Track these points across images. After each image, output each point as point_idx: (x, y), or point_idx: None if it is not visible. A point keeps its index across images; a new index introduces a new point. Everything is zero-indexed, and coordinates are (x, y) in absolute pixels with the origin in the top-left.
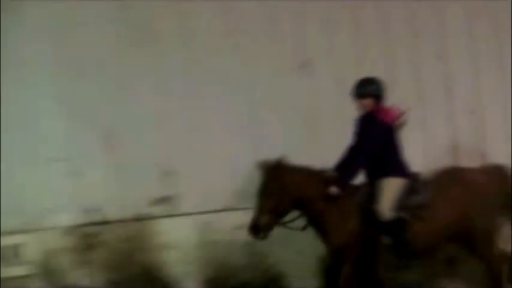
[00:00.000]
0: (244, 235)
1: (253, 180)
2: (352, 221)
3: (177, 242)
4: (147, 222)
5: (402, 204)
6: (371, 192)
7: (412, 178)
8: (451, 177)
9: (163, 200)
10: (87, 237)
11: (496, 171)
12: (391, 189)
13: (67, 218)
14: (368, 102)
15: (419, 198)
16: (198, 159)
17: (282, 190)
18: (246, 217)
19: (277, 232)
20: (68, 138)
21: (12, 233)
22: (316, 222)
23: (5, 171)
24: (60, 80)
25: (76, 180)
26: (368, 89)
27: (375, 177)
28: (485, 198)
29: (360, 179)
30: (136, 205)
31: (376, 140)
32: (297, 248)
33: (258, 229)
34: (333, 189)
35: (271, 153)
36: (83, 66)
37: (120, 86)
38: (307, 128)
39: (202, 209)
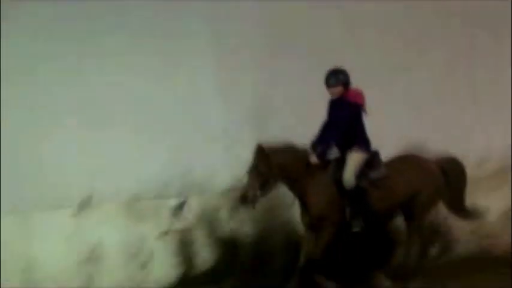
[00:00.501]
0: None
1: None
2: (329, 192)
3: None
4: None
5: (363, 175)
6: (340, 165)
7: (373, 154)
8: (407, 161)
9: None
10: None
11: (448, 163)
12: (354, 161)
13: (222, 182)
14: (338, 89)
15: (378, 172)
16: None
17: (268, 170)
18: None
19: None
20: (225, 118)
21: (175, 195)
22: (300, 196)
23: (174, 146)
24: None
25: (230, 152)
26: (338, 78)
27: (343, 152)
28: (431, 181)
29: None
30: None
31: (347, 119)
32: None
33: (246, 200)
34: (313, 158)
35: None
36: None
37: None
38: None
39: None
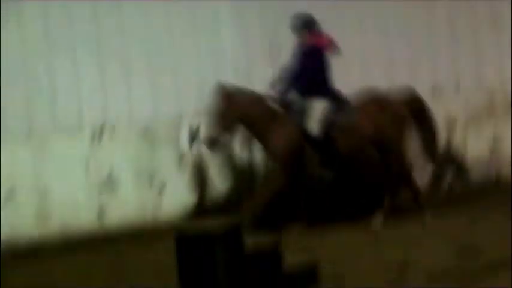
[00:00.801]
0: None
1: None
2: (292, 138)
3: None
4: None
5: (330, 121)
6: (303, 110)
7: (337, 98)
8: (370, 98)
9: None
10: None
11: (406, 93)
12: (319, 108)
13: None
14: (306, 34)
15: (345, 117)
16: None
17: (232, 112)
18: None
19: None
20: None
21: (191, 118)
22: (261, 137)
23: (189, 73)
24: None
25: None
26: (299, 22)
27: (306, 96)
28: (396, 114)
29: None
30: None
31: (315, 65)
32: None
33: (212, 141)
34: (273, 94)
35: None
36: None
37: None
38: None
39: None
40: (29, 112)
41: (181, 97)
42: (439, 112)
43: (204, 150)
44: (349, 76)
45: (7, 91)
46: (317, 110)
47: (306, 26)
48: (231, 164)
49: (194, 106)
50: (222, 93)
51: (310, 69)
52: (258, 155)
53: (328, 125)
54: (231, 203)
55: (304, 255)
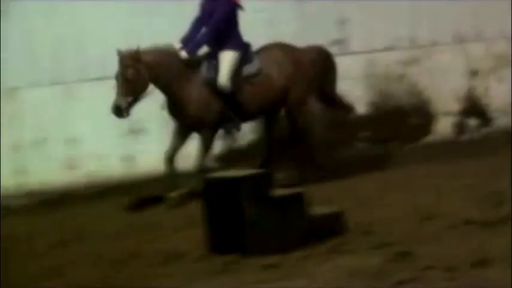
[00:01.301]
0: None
1: None
2: (203, 93)
3: (349, 75)
4: None
5: (236, 73)
6: (213, 64)
7: (244, 49)
8: (279, 52)
9: (338, 41)
10: None
11: (314, 51)
12: (229, 61)
13: None
14: None
15: (251, 66)
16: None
17: (137, 74)
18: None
19: None
20: None
21: None
22: (171, 96)
23: None
24: None
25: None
26: None
27: (216, 50)
28: (303, 70)
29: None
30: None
31: (223, 16)
32: None
33: (120, 110)
34: (183, 54)
35: None
36: None
37: None
38: None
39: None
40: (57, 61)
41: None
42: (461, 61)
43: None
44: (376, 28)
45: (34, 40)
46: (226, 63)
47: None
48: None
49: None
50: (127, 54)
51: (220, 20)
52: None
53: (235, 77)
54: (255, 153)
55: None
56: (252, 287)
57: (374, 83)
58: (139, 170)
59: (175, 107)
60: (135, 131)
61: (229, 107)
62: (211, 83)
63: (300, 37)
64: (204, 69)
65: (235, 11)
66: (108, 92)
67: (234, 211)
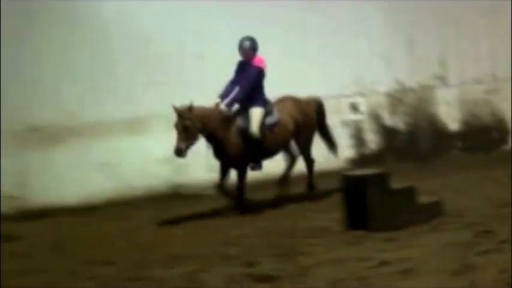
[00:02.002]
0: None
1: None
2: (237, 138)
3: (447, 101)
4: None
5: (262, 124)
6: (245, 117)
7: (267, 105)
8: (289, 102)
9: (439, 77)
10: (394, 99)
11: (314, 102)
12: (257, 115)
13: (384, 88)
14: (250, 53)
15: (272, 118)
16: None
17: (192, 122)
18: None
19: None
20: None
21: (351, 96)
22: (216, 142)
23: (351, 59)
24: None
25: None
26: (248, 43)
27: (246, 106)
28: (308, 118)
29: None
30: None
31: (253, 79)
32: None
33: (181, 152)
34: (222, 107)
35: None
36: None
37: None
38: None
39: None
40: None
41: (343, 79)
42: None
43: (360, 118)
44: (467, 66)
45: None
46: (255, 117)
47: (253, 48)
48: (380, 128)
49: (353, 87)
50: (184, 108)
51: (252, 82)
52: (400, 121)
53: (262, 127)
54: (379, 157)
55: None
56: (376, 254)
57: (465, 107)
58: (293, 169)
59: (217, 150)
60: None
61: (256, 150)
62: (245, 132)
63: (410, 72)
64: (238, 121)
65: (262, 75)
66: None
67: (363, 199)
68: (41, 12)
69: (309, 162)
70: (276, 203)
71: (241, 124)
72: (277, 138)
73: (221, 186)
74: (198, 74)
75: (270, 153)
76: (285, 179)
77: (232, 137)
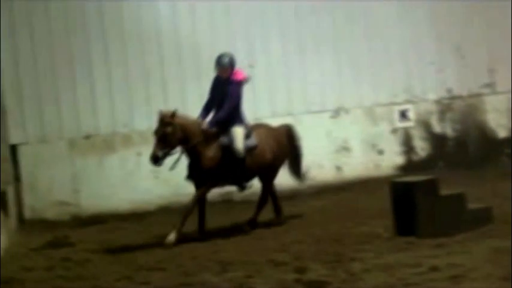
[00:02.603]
0: None
1: None
2: (217, 154)
3: (495, 109)
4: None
5: (243, 145)
6: (228, 136)
7: (246, 125)
8: (265, 129)
9: (488, 85)
10: (444, 106)
11: (284, 130)
12: (240, 134)
13: (433, 95)
14: (227, 69)
15: (250, 141)
16: None
17: (173, 132)
18: None
19: None
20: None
21: (401, 103)
22: (193, 154)
23: (400, 69)
24: None
25: (439, 74)
26: (227, 60)
27: (227, 126)
28: (282, 145)
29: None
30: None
31: (237, 95)
32: None
33: (157, 159)
34: (205, 125)
35: None
36: None
37: None
38: None
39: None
40: (287, 96)
41: (393, 87)
42: None
43: (410, 125)
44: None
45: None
46: (239, 135)
47: (232, 65)
48: (429, 135)
49: (402, 95)
50: (166, 116)
51: (236, 98)
52: (449, 129)
53: (243, 148)
54: (428, 164)
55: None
56: (426, 260)
57: None
58: (345, 177)
59: (193, 164)
60: (343, 148)
61: (238, 169)
62: (228, 149)
63: (459, 80)
64: (221, 139)
65: (241, 90)
66: (325, 121)
67: (412, 205)
68: (95, 29)
69: (268, 193)
70: (325, 209)
71: (225, 142)
72: (254, 163)
73: (202, 208)
74: (249, 86)
75: (247, 177)
76: (277, 208)
77: (212, 153)
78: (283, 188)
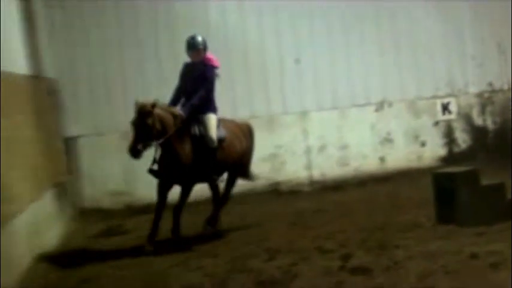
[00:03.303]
0: None
1: None
2: (191, 147)
3: None
4: None
5: (216, 135)
6: (201, 124)
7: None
8: (231, 123)
9: None
10: (484, 99)
11: (248, 126)
12: (213, 123)
13: (474, 89)
14: (200, 52)
15: (220, 132)
16: None
17: (153, 124)
18: None
19: None
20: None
21: (443, 97)
22: (167, 147)
23: (442, 65)
24: None
25: (479, 69)
26: (201, 42)
27: (199, 113)
28: (250, 141)
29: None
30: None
31: (212, 80)
32: None
33: (138, 152)
34: (180, 112)
35: None
36: None
37: None
38: None
39: None
40: (334, 91)
41: (435, 81)
42: None
43: (452, 118)
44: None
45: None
46: (212, 124)
47: (205, 46)
48: (470, 127)
49: (444, 89)
50: (144, 107)
51: (212, 83)
52: (489, 121)
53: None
54: (469, 155)
55: None
56: (466, 248)
57: None
58: (388, 168)
59: (167, 159)
60: (386, 140)
61: (211, 162)
62: (200, 140)
63: (499, 74)
64: (193, 129)
65: (216, 75)
66: (369, 114)
67: (453, 195)
68: (147, 36)
69: (230, 190)
70: (369, 199)
71: (195, 131)
72: (225, 155)
73: (161, 209)
74: (296, 80)
75: (218, 170)
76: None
77: (187, 146)
78: (328, 178)
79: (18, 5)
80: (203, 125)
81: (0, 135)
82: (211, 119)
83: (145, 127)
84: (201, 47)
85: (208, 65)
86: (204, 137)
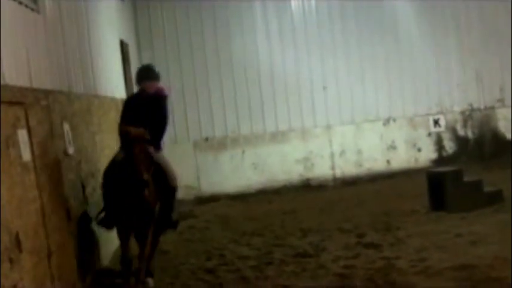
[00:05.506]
0: None
1: None
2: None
3: (505, 119)
4: (490, 110)
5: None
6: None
7: None
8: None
9: (500, 100)
10: (466, 116)
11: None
12: (170, 164)
13: (458, 108)
14: (156, 83)
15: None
16: None
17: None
18: None
19: None
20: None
21: (434, 114)
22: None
23: (434, 86)
24: None
25: (460, 89)
26: (156, 73)
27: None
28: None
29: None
30: (485, 102)
31: (169, 112)
32: None
33: (146, 184)
34: (153, 151)
35: None
36: None
37: None
38: None
39: None
40: (351, 109)
41: (429, 102)
42: None
43: (441, 130)
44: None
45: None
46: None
47: (156, 77)
48: (455, 137)
49: (435, 108)
50: (142, 136)
51: (168, 120)
52: (470, 133)
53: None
54: (454, 158)
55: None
56: (453, 229)
57: None
58: (393, 168)
59: (129, 203)
60: (392, 147)
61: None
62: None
63: (478, 97)
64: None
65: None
66: (379, 127)
67: (442, 188)
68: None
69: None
70: (378, 192)
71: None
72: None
73: (127, 257)
74: (323, 101)
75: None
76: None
77: (152, 184)
78: (347, 176)
79: (119, 49)
80: (162, 163)
81: None
82: (167, 160)
83: (146, 155)
84: (157, 79)
85: (163, 97)
86: (166, 177)
